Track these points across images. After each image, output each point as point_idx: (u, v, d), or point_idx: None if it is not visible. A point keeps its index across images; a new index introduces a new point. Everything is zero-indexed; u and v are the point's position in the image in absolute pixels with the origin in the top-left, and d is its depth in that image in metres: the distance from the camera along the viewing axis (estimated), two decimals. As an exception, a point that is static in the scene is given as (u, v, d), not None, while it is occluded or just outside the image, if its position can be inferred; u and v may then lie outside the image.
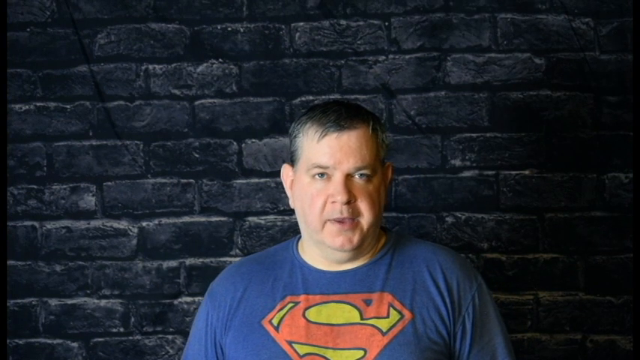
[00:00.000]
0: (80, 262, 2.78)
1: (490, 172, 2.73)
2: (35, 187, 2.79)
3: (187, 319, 2.75)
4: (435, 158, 2.74)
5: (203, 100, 2.78)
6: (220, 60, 2.78)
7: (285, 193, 2.12)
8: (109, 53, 2.80)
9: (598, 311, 2.70)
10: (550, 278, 2.71)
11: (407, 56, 2.75)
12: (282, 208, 2.75)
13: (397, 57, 2.75)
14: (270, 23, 2.78)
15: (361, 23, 2.76)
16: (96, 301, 2.78)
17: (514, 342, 2.12)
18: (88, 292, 2.78)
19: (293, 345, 1.95)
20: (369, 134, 1.99)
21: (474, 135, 2.73)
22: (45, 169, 2.79)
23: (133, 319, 2.77)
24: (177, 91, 2.79)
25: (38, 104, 2.80)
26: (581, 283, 2.71)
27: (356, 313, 1.97)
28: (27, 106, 2.80)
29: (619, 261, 2.70)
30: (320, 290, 2.01)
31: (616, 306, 2.70)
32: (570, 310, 2.70)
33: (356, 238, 1.98)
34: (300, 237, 2.11)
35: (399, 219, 2.74)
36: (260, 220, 2.76)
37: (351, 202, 1.96)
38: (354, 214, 1.97)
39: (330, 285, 2.01)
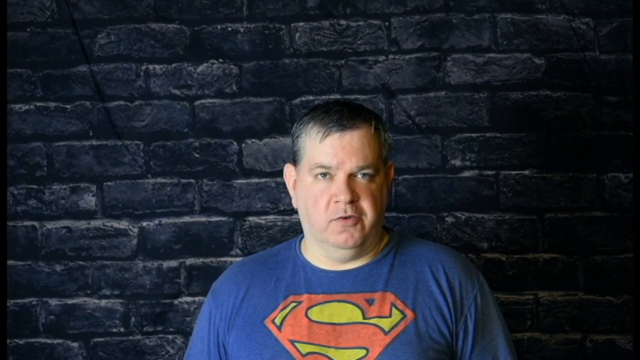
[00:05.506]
0: (80, 262, 2.78)
1: (490, 172, 2.73)
2: (35, 187, 2.79)
3: (188, 319, 2.75)
4: (435, 158, 2.74)
5: (203, 100, 2.78)
6: (220, 60, 2.78)
7: (285, 192, 2.13)
8: (109, 53, 2.80)
9: (598, 311, 2.70)
10: (550, 278, 2.71)
11: (407, 56, 2.75)
12: (282, 208, 2.75)
13: (397, 57, 2.75)
14: (270, 23, 2.78)
15: (361, 23, 2.76)
16: (96, 301, 2.78)
17: (514, 342, 2.12)
18: (89, 292, 2.78)
19: (295, 344, 1.96)
20: (371, 134, 1.99)
21: (474, 135, 2.74)
22: (45, 169, 2.79)
23: (133, 319, 2.77)
24: (177, 91, 2.79)
25: (38, 104, 2.80)
26: (581, 283, 2.71)
27: (358, 312, 1.97)
28: (27, 106, 2.80)
29: (619, 261, 2.70)
30: (322, 290, 2.01)
31: (616, 306, 2.70)
32: (570, 310, 2.71)
33: (358, 235, 1.98)
34: (302, 237, 2.11)
35: (399, 219, 2.74)
36: (260, 220, 2.76)
37: (354, 201, 1.96)
38: (358, 213, 1.97)
39: (333, 284, 2.01)
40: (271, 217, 2.76)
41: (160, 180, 2.78)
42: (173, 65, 2.79)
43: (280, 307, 2.01)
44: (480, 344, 2.01)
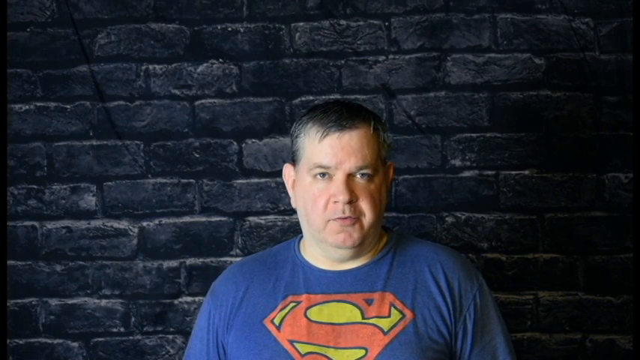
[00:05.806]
0: (80, 262, 2.78)
1: (490, 172, 2.73)
2: (35, 187, 2.79)
3: (188, 318, 2.75)
4: (435, 158, 2.74)
5: (203, 100, 2.78)
6: (220, 60, 2.78)
7: (285, 192, 2.13)
8: (109, 53, 2.80)
9: (598, 311, 2.70)
10: (550, 278, 2.71)
11: (407, 56, 2.75)
12: (282, 208, 2.75)
13: (397, 57, 2.75)
14: (270, 23, 2.78)
15: (361, 23, 2.76)
16: (96, 301, 2.78)
17: (514, 342, 2.12)
18: (89, 292, 2.78)
19: (294, 344, 1.95)
20: (370, 134, 1.99)
21: (474, 135, 2.74)
22: (45, 169, 2.79)
23: (133, 319, 2.77)
24: (177, 91, 2.79)
25: (38, 104, 2.80)
26: (581, 283, 2.71)
27: (357, 312, 1.97)
28: (27, 106, 2.80)
29: (619, 261, 2.70)
30: (321, 290, 2.01)
31: (616, 306, 2.70)
32: (570, 310, 2.70)
33: (356, 235, 1.98)
34: (301, 236, 2.11)
35: (399, 219, 2.74)
36: (260, 220, 2.76)
37: (352, 201, 1.96)
38: (356, 214, 1.97)
39: (332, 284, 2.01)
40: (271, 217, 2.76)
41: (160, 180, 2.79)
42: (173, 65, 2.79)
43: (279, 307, 2.01)
44: (479, 344, 2.01)
